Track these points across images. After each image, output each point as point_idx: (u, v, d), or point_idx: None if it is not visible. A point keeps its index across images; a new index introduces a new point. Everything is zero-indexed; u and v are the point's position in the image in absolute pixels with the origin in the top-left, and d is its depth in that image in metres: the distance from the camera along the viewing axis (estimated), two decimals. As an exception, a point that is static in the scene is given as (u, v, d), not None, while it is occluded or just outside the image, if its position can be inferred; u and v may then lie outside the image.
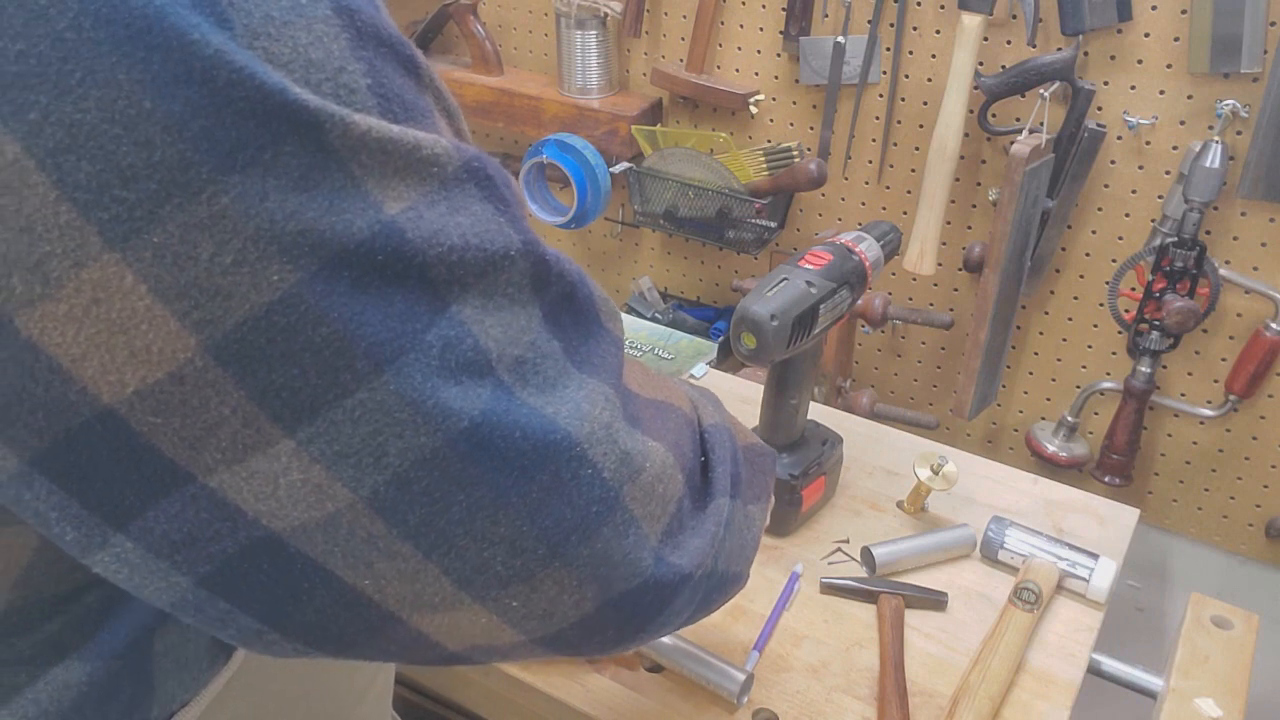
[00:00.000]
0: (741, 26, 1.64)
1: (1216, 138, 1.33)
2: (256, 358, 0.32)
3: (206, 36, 0.30)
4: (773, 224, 1.66)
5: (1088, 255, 1.52)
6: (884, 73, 1.55)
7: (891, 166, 1.61)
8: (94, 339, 0.31)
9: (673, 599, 0.45)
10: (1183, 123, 1.37)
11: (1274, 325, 1.39)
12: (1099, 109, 1.42)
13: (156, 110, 0.29)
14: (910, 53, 1.53)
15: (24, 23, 0.28)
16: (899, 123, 1.58)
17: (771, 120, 1.69)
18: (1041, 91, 1.40)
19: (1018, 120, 1.46)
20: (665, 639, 0.89)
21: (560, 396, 0.38)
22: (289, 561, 0.36)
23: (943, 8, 1.47)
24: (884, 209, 1.65)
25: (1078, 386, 1.60)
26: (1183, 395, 1.53)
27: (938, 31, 1.49)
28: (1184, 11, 1.32)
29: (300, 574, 0.36)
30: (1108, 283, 1.50)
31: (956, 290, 1.65)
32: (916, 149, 1.58)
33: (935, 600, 0.96)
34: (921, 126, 1.56)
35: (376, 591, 0.37)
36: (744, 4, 1.62)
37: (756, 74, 1.66)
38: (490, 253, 0.36)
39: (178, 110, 0.29)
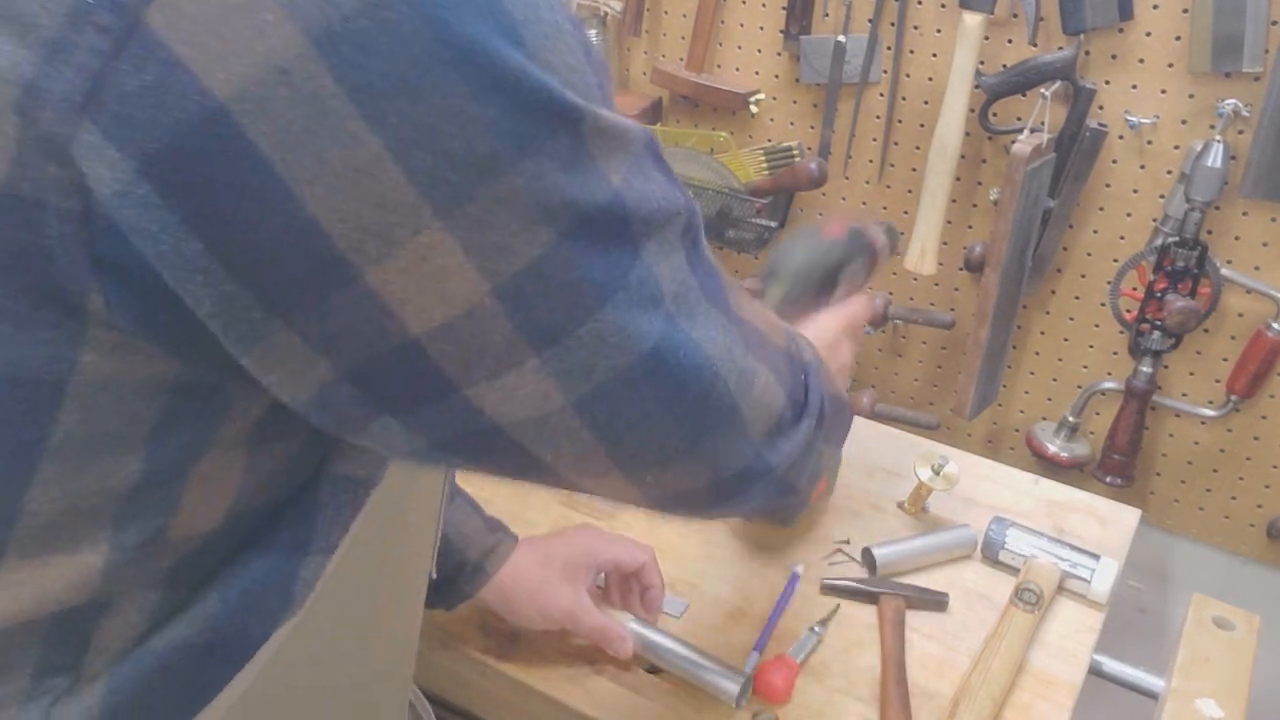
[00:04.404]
0: (742, 25, 1.64)
1: (1218, 137, 1.33)
2: (525, 297, 0.41)
3: (510, 54, 0.38)
4: (773, 224, 1.65)
5: (1089, 255, 1.52)
6: (885, 72, 1.55)
7: (892, 166, 1.61)
8: (417, 286, 0.39)
9: (755, 485, 0.56)
10: (1184, 122, 1.37)
11: (1275, 325, 1.39)
12: (1100, 108, 1.42)
13: (478, 113, 0.37)
14: (911, 52, 1.52)
15: (389, 47, 0.36)
16: (900, 122, 1.58)
17: (772, 120, 1.68)
18: (1043, 91, 1.40)
19: (1019, 119, 1.46)
20: (666, 642, 0.89)
21: (699, 325, 0.48)
22: (500, 441, 0.46)
23: (944, 6, 1.47)
24: (884, 208, 1.64)
25: (1079, 386, 1.60)
26: (1184, 395, 1.52)
27: (939, 30, 1.49)
28: (1185, 10, 1.31)
29: (503, 448, 0.46)
30: (1109, 282, 1.50)
31: (957, 290, 1.64)
32: (917, 148, 1.57)
33: (936, 601, 0.96)
34: (922, 126, 1.55)
35: (553, 460, 0.48)
36: (744, 3, 1.62)
37: (757, 73, 1.66)
38: (668, 210, 0.46)
39: (492, 113, 0.37)
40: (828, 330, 0.85)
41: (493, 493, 1.07)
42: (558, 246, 0.41)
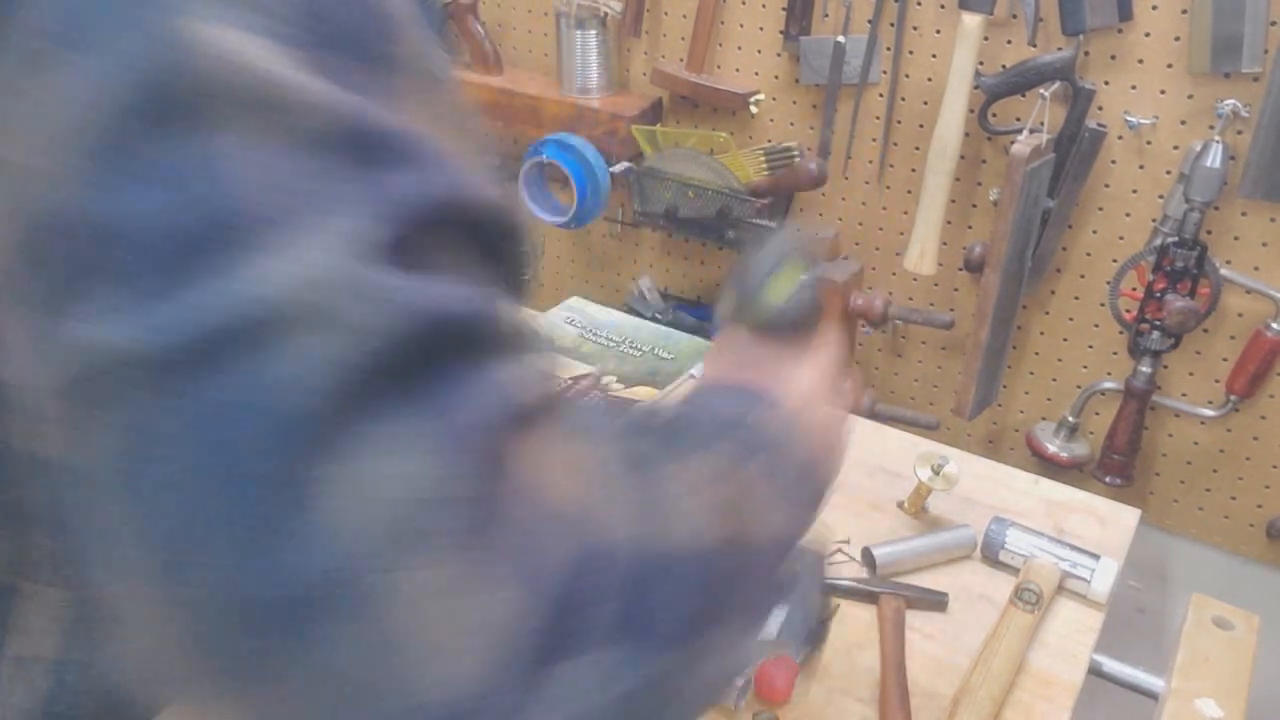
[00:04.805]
0: (741, 26, 1.64)
1: (1217, 137, 1.33)
2: (44, 245, 0.30)
3: None
4: (773, 224, 1.66)
5: (1088, 255, 1.52)
6: (884, 72, 1.55)
7: (892, 166, 1.61)
8: None
9: None
10: (1183, 122, 1.37)
11: (1275, 325, 1.39)
12: (1099, 109, 1.42)
13: None
14: (910, 52, 1.53)
15: None
16: (899, 122, 1.58)
17: (772, 120, 1.68)
18: (1042, 91, 1.40)
19: (1018, 120, 1.46)
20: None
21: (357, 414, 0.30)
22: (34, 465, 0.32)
23: (943, 7, 1.47)
24: (884, 209, 1.65)
25: (1078, 386, 1.60)
26: (1184, 395, 1.53)
27: (938, 31, 1.49)
28: (1184, 11, 1.32)
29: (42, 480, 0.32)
30: (1108, 283, 1.50)
31: (957, 290, 1.64)
32: (917, 149, 1.57)
33: (936, 601, 0.96)
34: (922, 126, 1.56)
35: (89, 529, 0.32)
36: (744, 4, 1.62)
37: (756, 74, 1.66)
38: (314, 245, 0.30)
39: None
40: (812, 385, 0.58)
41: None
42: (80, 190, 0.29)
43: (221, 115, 0.30)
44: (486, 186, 0.36)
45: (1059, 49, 1.40)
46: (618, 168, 1.72)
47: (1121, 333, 1.53)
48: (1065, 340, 1.59)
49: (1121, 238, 1.48)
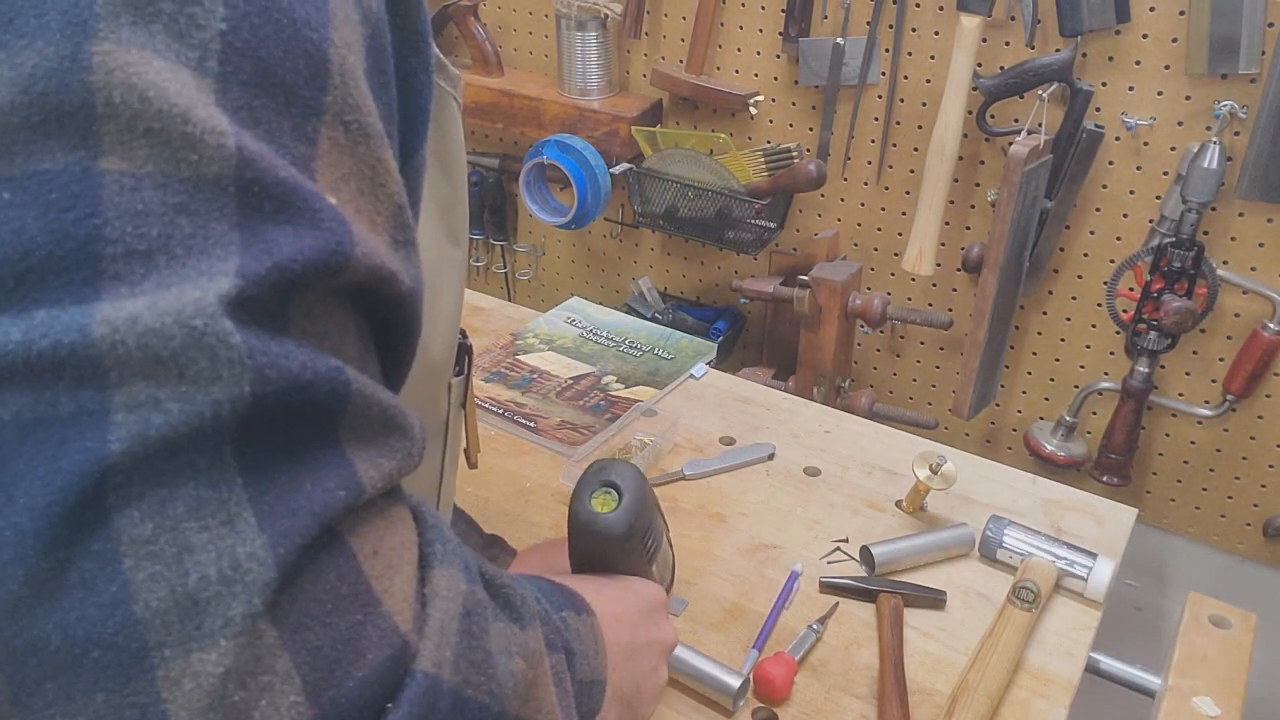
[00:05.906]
0: (741, 28, 1.64)
1: (1214, 138, 1.33)
2: None
3: None
4: (772, 224, 1.66)
5: (1086, 255, 1.53)
6: (883, 74, 1.56)
7: (890, 167, 1.62)
8: None
9: None
10: (1181, 123, 1.38)
11: (1271, 325, 1.40)
12: (1097, 110, 1.43)
13: None
14: (909, 54, 1.53)
15: None
16: (898, 124, 1.59)
17: (771, 121, 1.69)
18: (1040, 92, 1.41)
19: (1016, 121, 1.47)
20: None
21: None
22: None
23: (941, 9, 1.47)
24: (883, 209, 1.65)
25: (1076, 386, 1.60)
26: (1181, 395, 1.53)
27: (936, 33, 1.50)
28: (1182, 13, 1.32)
29: None
30: (1106, 283, 1.50)
31: (955, 290, 1.65)
32: (915, 150, 1.58)
33: (934, 599, 0.97)
34: (920, 127, 1.56)
35: None
36: (743, 5, 1.62)
37: (756, 75, 1.67)
38: (189, 284, 0.30)
39: None
40: (624, 609, 0.61)
41: (491, 491, 1.08)
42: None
43: (112, 138, 0.29)
44: (380, 252, 0.35)
45: (1057, 50, 1.40)
46: (618, 168, 1.73)
47: (1119, 333, 1.54)
48: (1063, 340, 1.60)
49: (1119, 238, 1.49)
